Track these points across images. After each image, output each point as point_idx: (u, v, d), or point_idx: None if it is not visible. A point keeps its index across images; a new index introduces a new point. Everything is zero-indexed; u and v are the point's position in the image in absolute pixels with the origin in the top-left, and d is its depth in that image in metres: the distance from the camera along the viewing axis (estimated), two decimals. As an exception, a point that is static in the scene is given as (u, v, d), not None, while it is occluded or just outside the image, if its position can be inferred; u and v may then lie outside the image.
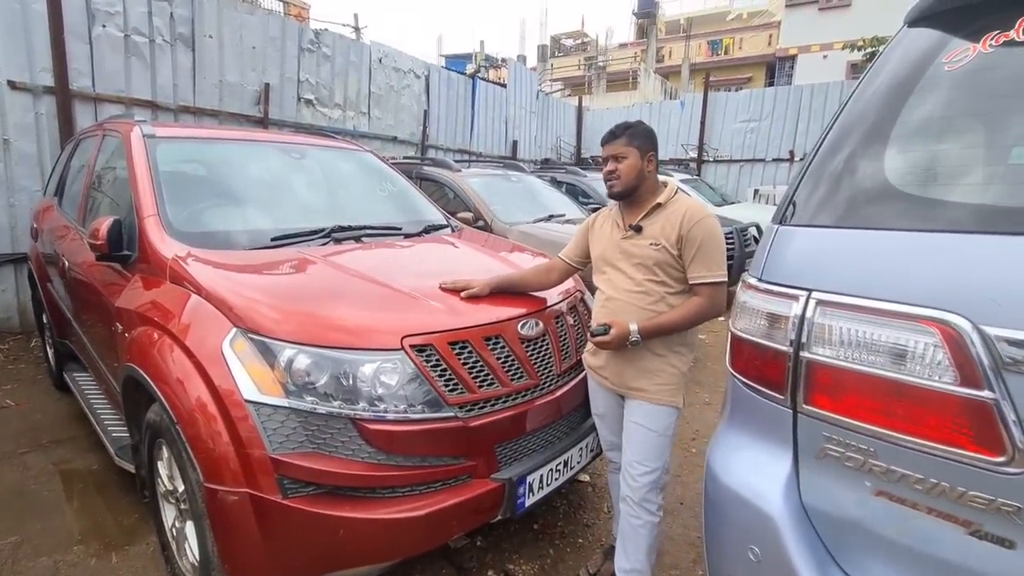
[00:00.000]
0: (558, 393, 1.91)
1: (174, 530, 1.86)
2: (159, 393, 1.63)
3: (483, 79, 9.83)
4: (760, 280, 1.06)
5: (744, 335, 1.08)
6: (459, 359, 1.66)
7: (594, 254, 1.89)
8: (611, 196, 1.81)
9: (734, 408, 1.17)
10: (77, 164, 3.29)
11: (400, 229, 2.66)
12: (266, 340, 1.54)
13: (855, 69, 18.26)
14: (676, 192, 1.77)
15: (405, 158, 6.31)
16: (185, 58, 5.12)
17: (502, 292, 1.98)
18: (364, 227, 2.50)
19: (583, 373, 2.05)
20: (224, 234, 2.22)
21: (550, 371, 1.90)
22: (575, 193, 6.55)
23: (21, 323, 4.50)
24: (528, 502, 1.76)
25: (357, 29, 15.52)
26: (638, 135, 1.76)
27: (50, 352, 3.63)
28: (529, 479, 1.75)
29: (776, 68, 21.44)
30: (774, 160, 10.24)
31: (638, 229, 1.73)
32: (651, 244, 1.69)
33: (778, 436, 1.02)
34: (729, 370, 1.15)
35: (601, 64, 23.00)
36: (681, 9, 27.94)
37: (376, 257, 2.28)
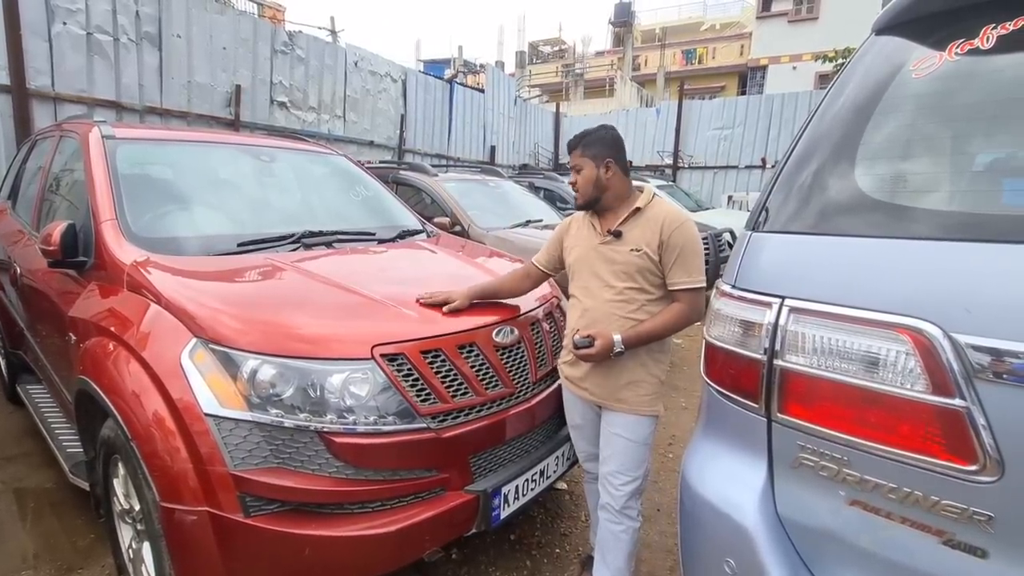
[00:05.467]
0: (534, 401, 1.87)
1: (131, 551, 1.77)
2: (112, 408, 1.54)
3: (461, 84, 9.81)
4: (734, 287, 1.05)
5: (718, 343, 1.07)
6: (432, 368, 1.62)
7: (569, 260, 1.84)
8: (576, 208, 1.83)
9: (709, 417, 1.15)
10: (33, 166, 3.15)
11: (373, 234, 2.60)
12: (228, 351, 1.47)
13: (824, 80, 18.85)
14: (653, 197, 1.75)
15: (381, 162, 6.24)
16: (152, 58, 4.97)
17: (479, 301, 1.94)
18: (336, 232, 2.44)
19: (559, 380, 2.03)
20: (187, 239, 2.13)
21: (525, 379, 1.87)
22: (553, 199, 6.57)
23: (-28, 333, 4.27)
24: (503, 514, 1.72)
25: (333, 32, 15.33)
26: (591, 144, 1.74)
27: (2, 363, 3.44)
28: (504, 490, 1.71)
29: (748, 78, 21.96)
30: (747, 167, 10.47)
31: (617, 235, 1.69)
32: (633, 250, 1.65)
33: (753, 445, 1.01)
34: (704, 378, 1.14)
35: (579, 71, 23.24)
36: (656, 19, 28.45)
37: (347, 263, 2.22)
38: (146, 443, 1.46)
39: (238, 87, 5.65)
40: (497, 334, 1.82)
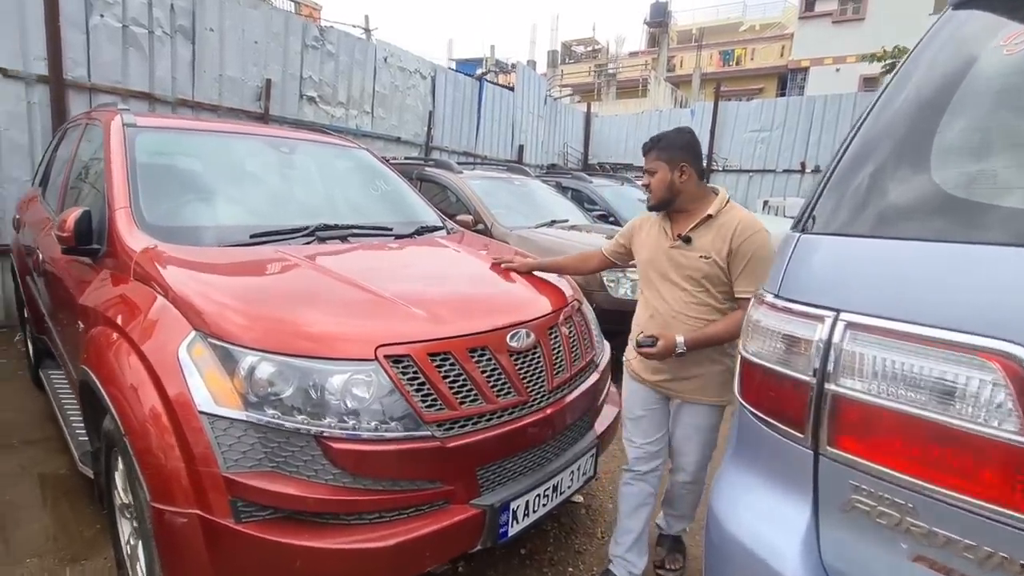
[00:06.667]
0: (549, 411, 1.75)
1: (128, 547, 1.72)
2: (109, 400, 1.49)
3: (490, 81, 9.73)
4: (777, 297, 0.91)
5: (757, 360, 0.93)
6: (439, 372, 1.51)
7: (640, 259, 1.89)
8: (648, 209, 1.84)
9: (743, 443, 1.01)
10: (62, 154, 3.18)
11: (391, 230, 2.52)
12: (226, 345, 1.40)
13: (868, 82, 18.11)
14: (728, 202, 1.73)
15: (406, 158, 6.20)
16: (185, 51, 5.03)
17: (537, 276, 2.13)
18: (351, 226, 2.36)
19: (578, 388, 1.91)
20: (199, 229, 2.09)
21: (541, 387, 1.75)
22: (580, 199, 6.41)
23: (7, 316, 4.39)
24: (512, 531, 1.61)
25: (367, 31, 15.46)
26: (667, 147, 1.74)
27: (30, 348, 3.51)
28: (513, 506, 1.60)
29: (788, 80, 21.32)
30: (784, 171, 10.08)
31: (687, 240, 1.71)
32: (701, 257, 1.68)
33: (795, 481, 0.87)
34: (738, 398, 1.00)
35: (611, 71, 22.94)
36: (693, 19, 27.89)
37: (360, 258, 2.14)
38: (139, 439, 1.40)
39: (268, 81, 5.68)
40: (512, 338, 1.70)
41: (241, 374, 1.38)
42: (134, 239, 1.89)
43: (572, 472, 1.83)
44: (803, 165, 9.88)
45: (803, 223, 0.92)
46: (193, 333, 1.45)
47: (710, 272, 1.67)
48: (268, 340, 1.41)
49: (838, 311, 0.80)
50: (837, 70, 19.60)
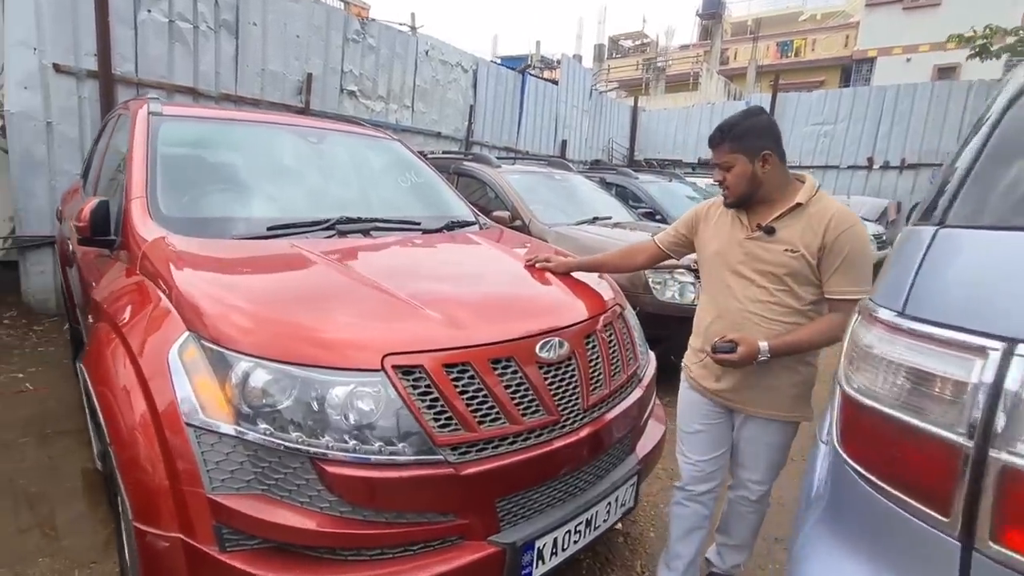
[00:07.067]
0: (583, 433, 1.51)
1: (129, 557, 1.61)
2: (97, 404, 1.37)
3: (533, 75, 9.49)
4: (902, 315, 0.65)
5: (868, 401, 0.67)
6: (456, 386, 1.31)
7: (707, 251, 1.66)
8: (727, 206, 1.61)
9: (840, 508, 0.75)
10: (100, 146, 3.20)
11: (418, 224, 2.35)
12: (219, 349, 1.25)
13: (943, 72, 16.72)
14: (817, 190, 1.50)
15: (444, 152, 6.06)
16: (228, 45, 5.06)
17: (574, 278, 1.92)
18: (375, 220, 2.20)
19: (618, 406, 1.66)
20: (213, 221, 1.98)
21: (575, 405, 1.52)
22: (625, 196, 6.10)
23: (57, 305, 4.52)
24: (536, 572, 1.39)
25: (413, 28, 15.53)
26: (743, 136, 1.51)
27: (69, 336, 3.56)
28: (539, 543, 1.38)
29: (852, 72, 20.05)
30: (849, 167, 9.37)
31: (770, 231, 1.50)
32: (787, 251, 1.47)
33: (929, 581, 0.61)
34: (835, 446, 0.74)
35: (660, 65, 22.22)
36: (749, 10, 26.65)
37: (380, 254, 1.97)
38: (123, 450, 1.27)
39: (309, 75, 5.66)
40: (543, 348, 1.48)
41: (233, 382, 1.22)
42: (146, 230, 1.78)
43: (609, 504, 1.59)
44: (870, 161, 9.14)
45: (944, 210, 0.65)
46: (186, 334, 1.31)
47: (796, 268, 1.47)
48: (263, 344, 1.25)
49: (1012, 341, 0.54)
50: (908, 60, 18.27)
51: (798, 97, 10.12)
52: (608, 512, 1.59)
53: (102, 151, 2.99)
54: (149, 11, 4.52)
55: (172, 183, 2.05)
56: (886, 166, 9.05)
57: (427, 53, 7.04)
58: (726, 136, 1.53)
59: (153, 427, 1.23)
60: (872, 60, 19.06)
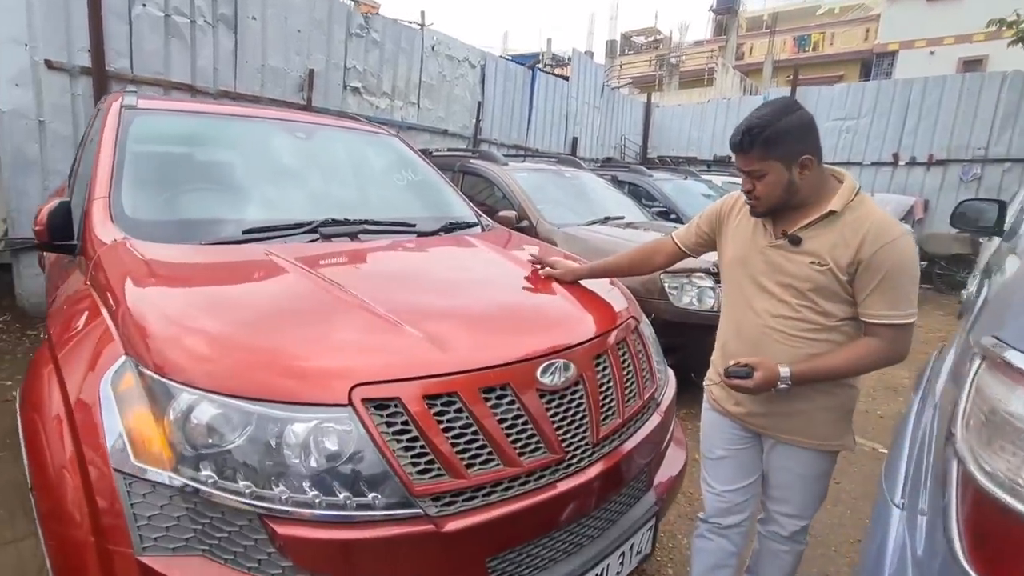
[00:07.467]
0: (592, 472, 1.29)
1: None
2: (22, 441, 1.17)
3: (543, 71, 9.25)
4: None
5: (1016, 503, 0.44)
6: (440, 422, 1.09)
7: (727, 255, 1.48)
8: (754, 216, 1.38)
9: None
10: (86, 145, 3.05)
11: (412, 226, 2.14)
12: (157, 377, 1.05)
13: (969, 65, 16.15)
14: (856, 194, 1.29)
15: (449, 150, 5.85)
16: (227, 41, 4.89)
17: (583, 286, 1.71)
18: (364, 221, 1.99)
19: (632, 438, 1.44)
20: (185, 224, 1.78)
21: (583, 439, 1.29)
22: (638, 195, 5.84)
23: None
24: (535, 642, 1.17)
25: (423, 26, 15.36)
26: (777, 140, 1.25)
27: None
28: (538, 609, 1.16)
29: (872, 65, 19.52)
30: (873, 164, 8.98)
31: (795, 241, 1.30)
32: (813, 263, 1.28)
33: None
34: (959, 558, 0.51)
35: (674, 61, 21.83)
36: (764, 4, 26.14)
37: (364, 261, 1.75)
38: (45, 496, 1.07)
39: (311, 71, 5.49)
40: (545, 372, 1.25)
41: (171, 417, 1.01)
42: (105, 233, 1.60)
43: (623, 554, 1.36)
44: (896, 157, 8.75)
45: None
46: (123, 359, 1.11)
47: (822, 284, 1.27)
48: (213, 373, 1.04)
49: None
50: (931, 53, 17.71)
51: (819, 91, 9.72)
52: (622, 564, 1.36)
53: (86, 150, 2.83)
54: (144, 5, 4.37)
55: (140, 182, 1.87)
56: (912, 162, 8.65)
57: (433, 48, 6.84)
58: (756, 140, 1.26)
59: (79, 471, 1.03)
60: (893, 54, 18.53)
